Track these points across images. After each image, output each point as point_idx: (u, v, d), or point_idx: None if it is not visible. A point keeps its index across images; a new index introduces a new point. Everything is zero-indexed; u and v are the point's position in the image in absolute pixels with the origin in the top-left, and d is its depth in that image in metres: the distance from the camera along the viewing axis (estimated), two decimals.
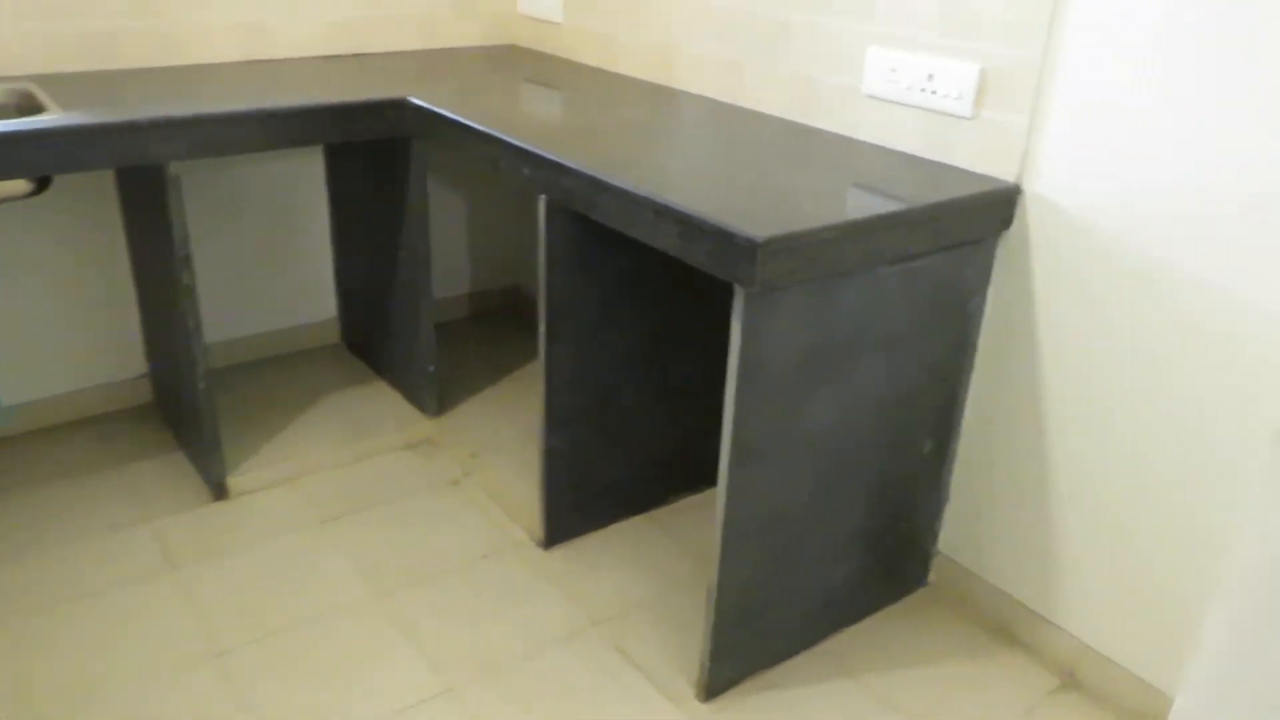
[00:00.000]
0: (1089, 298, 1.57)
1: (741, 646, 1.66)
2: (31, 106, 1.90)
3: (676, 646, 1.76)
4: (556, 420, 1.88)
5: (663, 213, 1.45)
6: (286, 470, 2.19)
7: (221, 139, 1.88)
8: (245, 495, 2.13)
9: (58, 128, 1.70)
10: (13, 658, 1.67)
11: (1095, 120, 1.51)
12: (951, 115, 1.69)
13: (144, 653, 1.69)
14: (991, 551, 1.83)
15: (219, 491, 2.10)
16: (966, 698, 1.67)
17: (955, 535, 1.88)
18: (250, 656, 1.70)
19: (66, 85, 2.00)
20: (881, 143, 1.82)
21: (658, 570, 1.95)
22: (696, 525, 2.09)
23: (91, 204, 2.26)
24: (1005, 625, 1.83)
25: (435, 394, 2.40)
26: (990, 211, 1.61)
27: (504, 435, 2.36)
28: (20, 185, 1.87)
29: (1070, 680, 1.72)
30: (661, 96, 2.16)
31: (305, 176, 2.56)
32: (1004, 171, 1.64)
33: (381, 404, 2.47)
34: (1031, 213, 1.62)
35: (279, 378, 2.58)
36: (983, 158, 1.66)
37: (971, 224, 1.59)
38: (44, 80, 2.04)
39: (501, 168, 1.81)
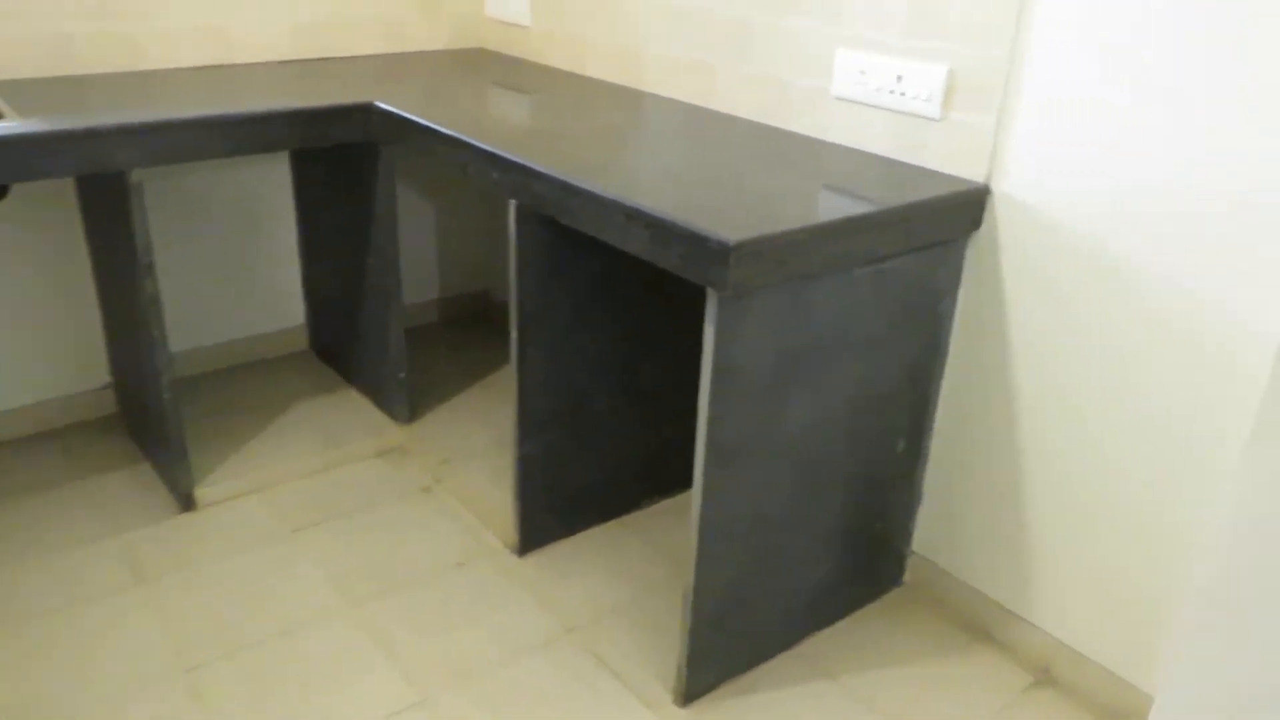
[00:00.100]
0: (1056, 295, 1.59)
1: (718, 650, 1.65)
2: None
3: (653, 652, 1.75)
4: (529, 426, 1.87)
5: (634, 216, 1.44)
6: (255, 480, 2.17)
7: (185, 146, 1.85)
8: (214, 506, 2.09)
9: (14, 135, 1.67)
10: None
11: (1062, 119, 1.52)
12: (920, 116, 1.69)
13: (113, 669, 1.66)
14: (965, 550, 1.84)
15: (187, 503, 2.07)
16: (943, 696, 1.68)
17: (929, 535, 1.89)
18: (222, 671, 1.67)
19: (22, 91, 1.96)
20: (852, 144, 1.83)
21: (632, 575, 1.94)
22: (671, 529, 2.08)
23: (51, 212, 2.21)
24: (980, 623, 1.84)
25: (406, 401, 2.38)
26: (960, 212, 1.62)
27: (475, 441, 2.35)
28: None
29: (1045, 677, 1.73)
30: (631, 99, 2.16)
31: (271, 182, 2.53)
32: (973, 172, 1.65)
33: (351, 411, 2.45)
34: (1000, 212, 1.63)
35: (246, 386, 2.55)
36: (952, 159, 1.67)
37: (942, 225, 1.60)
38: None
39: (470, 172, 1.80)
